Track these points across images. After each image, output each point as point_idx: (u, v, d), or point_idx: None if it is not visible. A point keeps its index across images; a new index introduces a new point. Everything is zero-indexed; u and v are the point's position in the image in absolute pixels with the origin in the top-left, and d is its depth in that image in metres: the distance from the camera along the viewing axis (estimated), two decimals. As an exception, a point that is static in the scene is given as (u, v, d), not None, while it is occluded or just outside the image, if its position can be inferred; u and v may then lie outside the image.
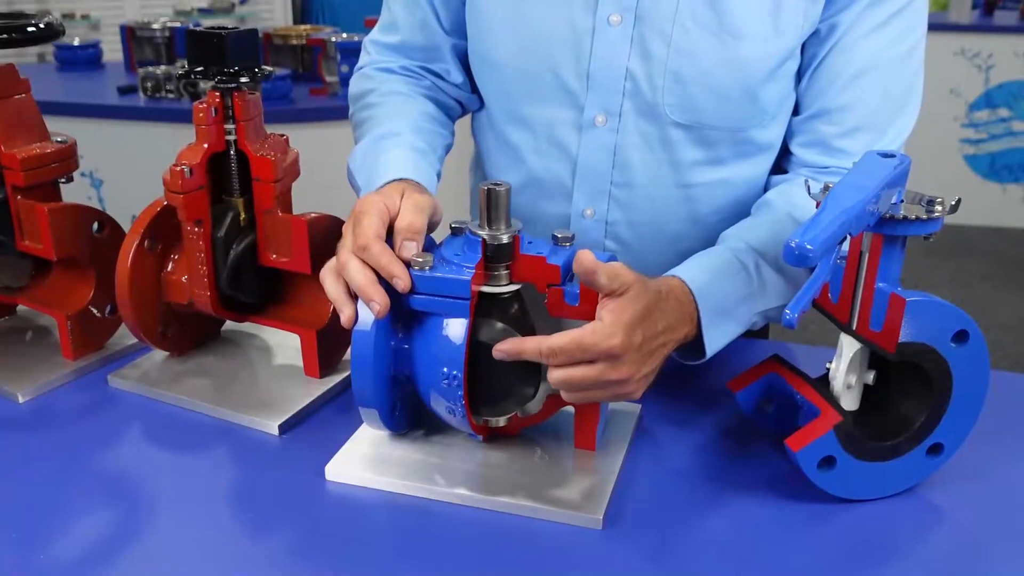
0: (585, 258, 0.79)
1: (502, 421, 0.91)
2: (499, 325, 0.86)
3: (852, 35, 1.02)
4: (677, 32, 1.02)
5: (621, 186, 1.11)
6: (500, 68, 1.12)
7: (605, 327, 0.80)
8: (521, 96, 1.12)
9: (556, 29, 1.06)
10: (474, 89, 1.21)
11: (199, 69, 0.98)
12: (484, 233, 0.84)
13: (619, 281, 0.81)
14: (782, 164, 1.13)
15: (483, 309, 0.86)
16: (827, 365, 0.89)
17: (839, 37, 1.02)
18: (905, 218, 0.77)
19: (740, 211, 1.12)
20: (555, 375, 0.82)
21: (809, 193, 0.84)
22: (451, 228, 0.89)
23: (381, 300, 0.83)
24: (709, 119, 1.06)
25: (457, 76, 1.21)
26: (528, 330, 0.88)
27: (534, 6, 1.07)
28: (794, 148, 1.10)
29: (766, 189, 1.13)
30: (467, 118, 1.30)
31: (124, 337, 1.13)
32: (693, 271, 0.95)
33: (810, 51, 1.05)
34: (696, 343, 0.94)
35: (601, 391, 0.84)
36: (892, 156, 0.80)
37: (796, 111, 1.09)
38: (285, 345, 1.13)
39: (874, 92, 1.04)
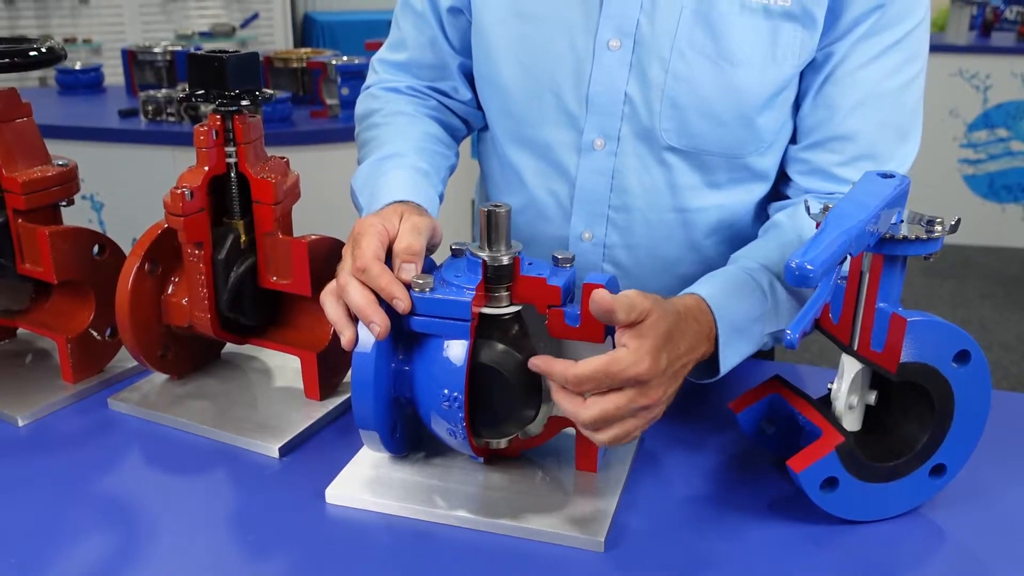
0: (601, 299, 0.78)
1: (503, 443, 0.91)
2: (500, 346, 0.86)
3: (849, 65, 1.02)
4: (675, 58, 1.03)
5: (619, 210, 1.12)
6: (503, 89, 1.13)
7: (630, 354, 0.79)
8: (523, 118, 1.13)
9: (557, 52, 1.07)
10: (480, 107, 1.22)
11: (200, 92, 0.98)
12: (484, 254, 0.84)
13: (637, 311, 0.80)
14: (784, 192, 1.13)
15: (484, 330, 0.86)
16: (828, 386, 0.89)
17: (835, 66, 1.03)
18: (905, 238, 0.77)
19: (736, 237, 1.12)
20: (588, 414, 0.80)
21: (809, 214, 0.84)
22: (451, 250, 0.89)
23: (381, 322, 0.83)
24: (706, 144, 1.06)
25: (465, 93, 1.21)
26: (529, 351, 0.87)
27: (537, 29, 1.08)
28: (795, 177, 1.10)
29: (767, 216, 1.13)
30: (468, 142, 1.30)
31: (124, 360, 1.13)
32: (711, 289, 0.94)
33: (807, 79, 1.05)
34: (709, 362, 0.94)
35: (633, 420, 0.82)
36: (891, 176, 0.80)
37: (794, 139, 1.09)
38: (285, 367, 1.13)
39: (873, 122, 1.04)
